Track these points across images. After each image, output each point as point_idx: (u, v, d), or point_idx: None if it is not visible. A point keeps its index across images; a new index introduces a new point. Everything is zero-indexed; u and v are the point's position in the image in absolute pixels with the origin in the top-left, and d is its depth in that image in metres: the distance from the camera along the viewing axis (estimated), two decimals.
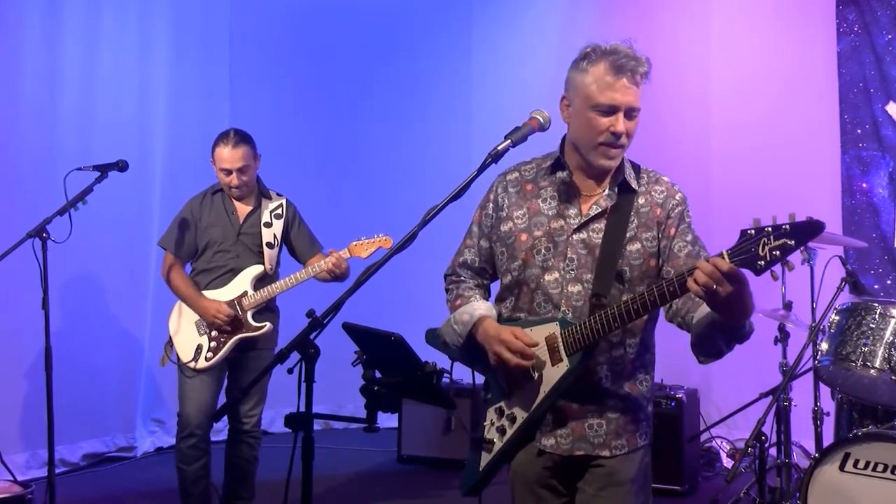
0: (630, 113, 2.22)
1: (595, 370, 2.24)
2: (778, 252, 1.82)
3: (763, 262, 1.84)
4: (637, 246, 2.25)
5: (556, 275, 2.27)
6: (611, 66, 2.18)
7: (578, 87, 2.23)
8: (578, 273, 2.25)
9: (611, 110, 2.20)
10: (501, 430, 2.33)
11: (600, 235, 2.25)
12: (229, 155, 4.00)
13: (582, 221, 2.27)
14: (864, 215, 5.37)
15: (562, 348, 2.19)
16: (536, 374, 2.23)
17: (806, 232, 1.81)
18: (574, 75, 2.25)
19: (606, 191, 2.29)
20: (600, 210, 2.27)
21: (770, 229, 1.84)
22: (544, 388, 2.22)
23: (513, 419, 2.30)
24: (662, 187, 2.32)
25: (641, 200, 2.29)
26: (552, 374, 2.20)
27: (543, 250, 2.30)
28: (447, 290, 2.54)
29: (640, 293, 2.06)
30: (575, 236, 2.27)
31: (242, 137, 4.04)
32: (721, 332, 2.06)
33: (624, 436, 2.27)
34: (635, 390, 2.29)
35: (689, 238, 2.28)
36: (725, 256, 1.89)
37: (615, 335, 2.23)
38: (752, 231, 1.86)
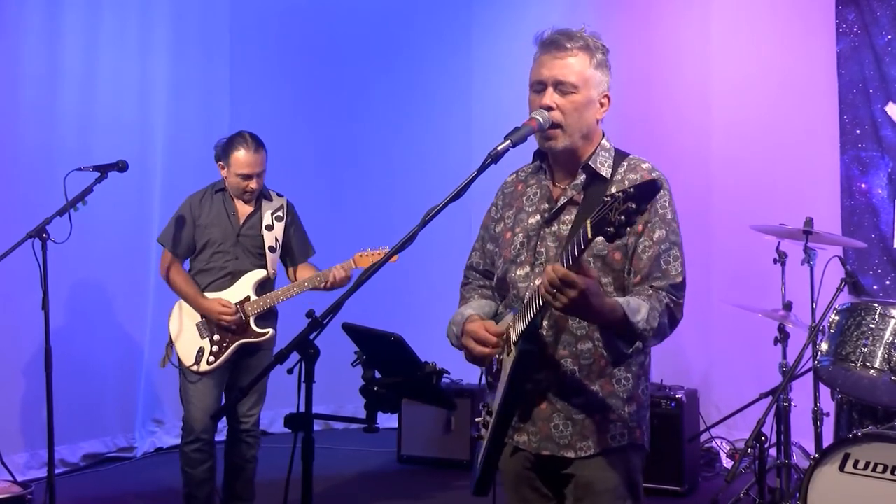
0: (560, 87, 2.19)
1: (560, 363, 2.19)
2: (623, 217, 1.78)
3: (612, 229, 1.80)
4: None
5: (527, 269, 2.27)
6: (540, 46, 2.24)
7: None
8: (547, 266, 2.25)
9: (539, 86, 2.22)
10: (486, 425, 2.31)
11: (569, 227, 2.23)
12: (251, 159, 3.97)
13: (551, 214, 2.26)
14: (863, 216, 5.37)
15: (512, 338, 2.18)
16: (502, 368, 2.23)
17: (644, 193, 1.77)
18: None
19: (575, 180, 2.27)
20: (567, 199, 2.25)
21: (620, 194, 1.80)
22: (503, 381, 2.19)
23: (491, 413, 2.29)
24: (637, 175, 2.23)
25: (613, 189, 2.20)
26: (506, 366, 2.19)
27: (519, 246, 2.30)
28: (460, 294, 2.55)
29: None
30: (546, 229, 2.26)
31: (260, 142, 4.03)
32: (612, 333, 2.10)
33: (591, 437, 2.20)
34: (608, 388, 2.20)
35: (656, 236, 2.18)
36: (588, 226, 1.85)
37: (580, 327, 2.18)
38: (608, 198, 1.83)
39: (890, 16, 5.33)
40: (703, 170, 5.82)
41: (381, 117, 6.98)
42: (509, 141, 2.15)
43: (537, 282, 2.21)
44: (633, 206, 1.77)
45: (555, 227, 2.25)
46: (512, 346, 2.16)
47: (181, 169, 6.03)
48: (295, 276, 4.19)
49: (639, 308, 2.07)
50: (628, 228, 1.80)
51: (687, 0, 6.10)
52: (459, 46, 6.98)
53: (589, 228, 1.84)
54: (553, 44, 2.21)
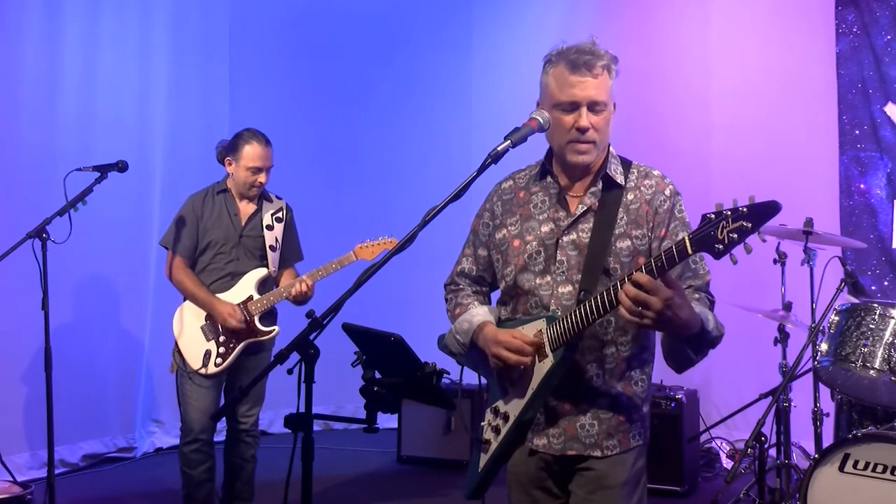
0: (594, 107, 2.21)
1: (585, 368, 2.24)
2: (735, 235, 1.82)
3: (721, 246, 1.84)
4: (627, 243, 2.24)
5: (548, 278, 2.28)
6: (567, 63, 2.21)
7: (543, 90, 2.28)
8: (569, 274, 2.25)
9: (572, 107, 2.21)
10: (496, 430, 2.33)
11: (589, 235, 2.25)
12: (262, 152, 4.04)
13: (569, 222, 2.28)
14: (861, 216, 5.37)
15: (546, 344, 2.19)
16: (527, 373, 2.24)
17: (762, 213, 1.80)
18: (541, 79, 2.30)
19: (591, 188, 2.30)
20: (586, 208, 2.28)
21: (728, 212, 1.83)
22: (532, 386, 2.22)
23: (506, 418, 2.30)
24: (652, 181, 2.30)
25: (630, 196, 2.27)
26: (539, 371, 2.21)
27: (535, 254, 2.30)
28: (447, 300, 2.55)
29: (611, 287, 2.05)
30: (564, 238, 2.28)
31: (267, 138, 4.10)
32: (684, 342, 2.09)
33: (616, 436, 2.26)
34: (629, 390, 2.27)
35: (679, 238, 2.26)
36: (687, 242, 1.89)
37: (605, 333, 2.23)
38: (713, 215, 1.86)
39: (889, 16, 5.33)
40: (703, 170, 5.82)
41: (381, 117, 6.98)
42: (509, 141, 2.17)
43: (561, 289, 2.25)
44: (749, 225, 1.81)
45: (573, 236, 2.27)
46: (548, 353, 2.19)
47: (181, 169, 6.04)
48: (279, 280, 4.19)
49: (707, 316, 2.11)
50: (737, 246, 1.82)
51: (687, 0, 6.10)
52: (459, 46, 6.99)
53: (688, 244, 1.88)
54: (585, 64, 2.20)
